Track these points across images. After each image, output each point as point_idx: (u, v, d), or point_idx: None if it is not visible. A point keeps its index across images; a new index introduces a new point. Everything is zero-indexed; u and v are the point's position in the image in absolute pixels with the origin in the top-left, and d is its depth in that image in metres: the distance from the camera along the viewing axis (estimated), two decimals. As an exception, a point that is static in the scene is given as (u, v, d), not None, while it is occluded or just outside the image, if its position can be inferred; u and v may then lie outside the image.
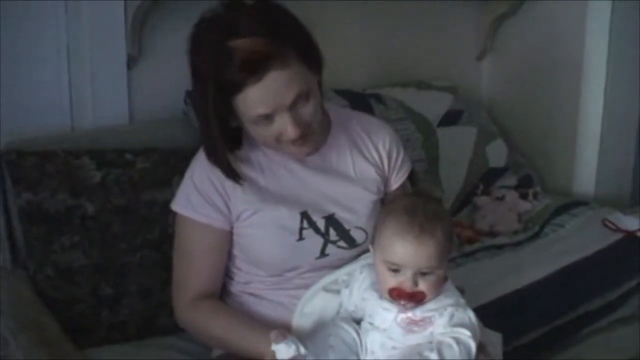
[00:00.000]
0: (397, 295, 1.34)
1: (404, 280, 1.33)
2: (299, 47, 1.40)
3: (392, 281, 1.34)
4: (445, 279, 1.40)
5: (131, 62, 2.07)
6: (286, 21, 1.43)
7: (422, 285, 1.33)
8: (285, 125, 1.42)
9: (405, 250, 1.32)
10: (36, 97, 1.99)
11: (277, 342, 1.33)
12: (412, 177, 1.70)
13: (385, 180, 1.63)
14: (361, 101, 2.35)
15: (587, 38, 2.57)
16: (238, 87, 1.37)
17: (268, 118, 1.41)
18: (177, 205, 1.55)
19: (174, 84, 2.07)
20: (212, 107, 1.42)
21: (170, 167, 1.85)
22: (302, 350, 1.32)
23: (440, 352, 1.30)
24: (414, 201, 1.40)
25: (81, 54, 2.00)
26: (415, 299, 1.34)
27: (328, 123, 1.59)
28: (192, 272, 1.55)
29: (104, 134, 1.96)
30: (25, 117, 1.97)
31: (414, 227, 1.32)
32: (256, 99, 1.38)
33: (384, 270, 1.36)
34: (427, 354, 1.30)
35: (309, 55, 1.43)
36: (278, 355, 1.33)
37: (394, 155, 1.64)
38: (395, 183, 1.64)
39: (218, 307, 1.55)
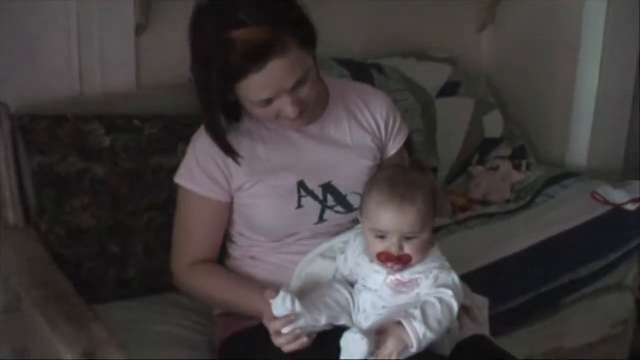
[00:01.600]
0: (385, 259, 1.44)
1: (390, 245, 1.43)
2: (297, 31, 1.44)
3: (379, 247, 1.44)
4: (431, 243, 1.49)
5: (139, 30, 2.11)
6: (283, 5, 1.46)
7: (408, 249, 1.43)
8: (285, 106, 1.47)
9: (389, 218, 1.42)
10: (46, 63, 2.02)
11: (273, 297, 1.40)
12: (408, 144, 1.77)
13: (383, 148, 1.69)
14: (362, 71, 2.39)
15: (585, 14, 2.59)
16: (240, 76, 1.42)
17: (268, 101, 1.47)
18: (179, 178, 1.62)
19: (180, 52, 2.07)
20: (213, 91, 1.47)
21: (176, 134, 1.91)
22: (298, 307, 1.38)
23: (423, 310, 1.39)
24: (395, 172, 1.51)
25: (90, 21, 2.04)
26: (401, 261, 1.43)
27: (326, 94, 1.64)
28: (191, 240, 1.63)
29: (112, 100, 2.02)
30: (35, 82, 2.00)
31: (396, 197, 1.42)
32: (258, 86, 1.43)
33: (372, 238, 1.45)
34: (411, 311, 1.39)
35: (306, 37, 1.47)
36: (274, 311, 1.40)
37: (391, 123, 1.69)
38: (393, 149, 1.71)
39: (215, 269, 1.63)
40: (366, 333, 1.36)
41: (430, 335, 1.38)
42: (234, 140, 1.56)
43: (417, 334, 1.36)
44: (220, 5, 1.44)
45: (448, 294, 1.43)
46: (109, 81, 2.09)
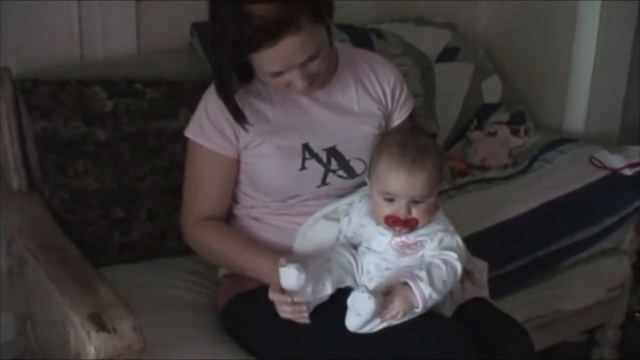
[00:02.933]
0: (393, 222, 1.45)
1: (398, 208, 1.45)
2: (313, 8, 1.46)
3: (387, 209, 1.46)
4: (436, 207, 1.51)
5: (139, -6, 2.11)
6: None
7: (415, 212, 1.45)
8: (294, 78, 1.50)
9: (399, 181, 1.44)
10: (47, 27, 2.02)
11: (285, 266, 1.41)
12: (412, 116, 1.79)
13: (388, 116, 1.71)
14: (362, 36, 2.39)
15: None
16: (253, 48, 1.45)
17: (279, 73, 1.49)
18: (189, 132, 1.64)
19: (180, 16, 2.12)
20: (226, 58, 1.50)
21: (178, 99, 1.92)
22: (303, 278, 1.40)
23: (428, 271, 1.42)
24: (405, 136, 1.52)
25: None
26: (409, 224, 1.45)
27: (336, 60, 1.66)
28: (200, 194, 1.65)
29: (113, 64, 2.02)
30: (36, 46, 2.00)
31: (406, 160, 1.44)
32: (270, 59, 1.46)
33: (380, 200, 1.47)
34: (416, 272, 1.42)
35: (321, 11, 1.49)
36: (282, 281, 1.41)
37: (397, 92, 1.72)
38: (398, 119, 1.73)
39: (224, 227, 1.65)
40: (373, 292, 1.38)
41: (435, 296, 1.41)
42: (242, 98, 1.59)
43: (423, 294, 1.39)
44: None
45: (453, 257, 1.46)
46: (110, 45, 2.09)
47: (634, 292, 2.69)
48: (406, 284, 1.40)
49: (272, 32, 1.42)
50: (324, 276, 1.45)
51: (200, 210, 1.65)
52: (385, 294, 1.40)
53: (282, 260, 1.44)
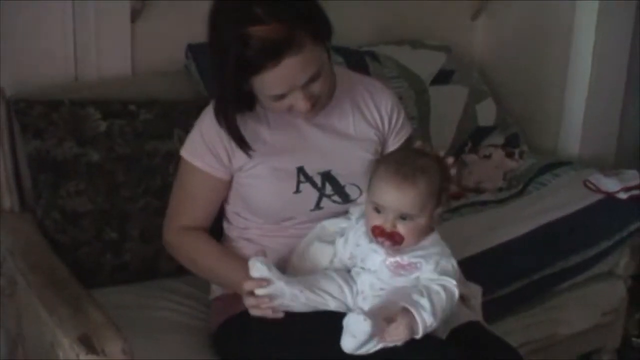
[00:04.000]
0: (378, 234, 1.46)
1: (384, 220, 1.45)
2: (313, 28, 1.46)
3: (375, 220, 1.47)
4: (430, 229, 1.51)
5: (134, 15, 2.11)
6: (301, 2, 1.48)
7: (401, 229, 1.45)
8: (297, 100, 1.51)
9: (387, 193, 1.45)
10: (41, 48, 2.03)
11: (255, 258, 1.43)
12: (410, 141, 1.78)
13: (384, 142, 1.71)
14: (357, 58, 2.40)
15: (578, 4, 2.60)
16: (256, 70, 1.45)
17: (282, 96, 1.50)
18: (183, 150, 1.65)
19: (175, 37, 2.13)
20: (227, 80, 1.49)
21: (172, 120, 1.93)
22: (276, 274, 1.42)
23: (430, 298, 1.41)
24: (406, 154, 1.55)
25: (86, 7, 2.04)
26: (393, 239, 1.45)
27: (334, 84, 1.66)
28: (186, 208, 1.66)
29: (107, 85, 2.02)
30: (31, 67, 2.01)
31: (398, 175, 1.45)
32: (272, 81, 1.46)
33: (370, 210, 1.48)
34: (417, 298, 1.41)
35: (321, 33, 1.50)
36: (251, 271, 1.43)
37: (395, 118, 1.72)
38: (393, 145, 1.73)
39: (203, 236, 1.66)
40: (369, 314, 1.37)
41: (435, 324, 1.41)
42: (239, 119, 1.58)
43: (425, 323, 1.39)
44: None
45: (451, 282, 1.45)
46: (104, 66, 2.10)
47: (630, 316, 2.69)
48: (408, 310, 1.39)
49: (273, 53, 1.42)
50: (304, 285, 1.45)
51: (183, 222, 1.66)
52: (386, 320, 1.39)
53: (256, 251, 1.46)
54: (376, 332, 1.36)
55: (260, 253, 1.46)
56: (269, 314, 1.45)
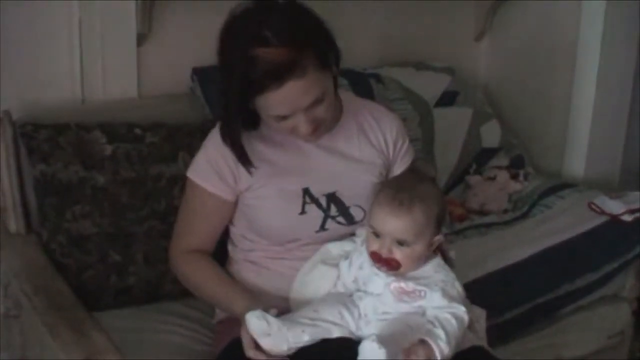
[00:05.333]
0: (376, 259, 1.48)
1: (381, 246, 1.47)
2: (319, 53, 1.48)
3: (373, 245, 1.48)
4: (431, 254, 1.52)
5: (141, 39, 2.14)
6: (309, 27, 1.51)
7: (398, 254, 1.46)
8: (299, 123, 1.52)
9: (383, 219, 1.47)
10: (48, 71, 2.05)
11: (252, 313, 1.41)
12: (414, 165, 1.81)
13: (389, 166, 1.73)
14: (361, 81, 2.41)
15: (583, 22, 2.60)
16: (260, 90, 1.47)
17: (285, 117, 1.51)
18: (189, 171, 1.67)
19: (181, 61, 2.15)
20: (233, 99, 1.52)
21: (177, 143, 1.94)
22: (275, 325, 1.40)
23: (443, 327, 1.41)
24: (407, 179, 1.57)
25: (93, 30, 2.06)
26: (389, 265, 1.47)
27: (340, 108, 1.68)
28: (192, 229, 1.67)
29: (113, 108, 2.04)
30: (37, 90, 2.03)
31: (395, 201, 1.47)
32: (275, 102, 1.48)
33: (370, 234, 1.50)
34: (431, 327, 1.41)
35: (328, 58, 1.52)
36: (248, 326, 1.41)
37: (399, 143, 1.74)
38: (398, 170, 1.75)
39: (208, 263, 1.66)
40: (384, 341, 1.36)
41: (450, 353, 1.41)
42: (246, 140, 1.60)
43: (443, 353, 1.39)
44: (251, 18, 1.49)
45: (461, 310, 1.46)
46: (111, 89, 2.12)
47: (636, 339, 2.68)
48: (424, 341, 1.39)
49: (277, 75, 1.44)
50: (306, 324, 1.45)
51: (189, 244, 1.67)
52: (404, 353, 1.38)
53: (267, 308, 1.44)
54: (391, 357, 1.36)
55: (266, 308, 1.44)
56: None
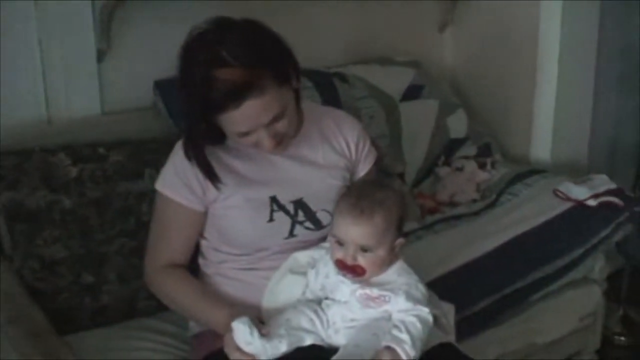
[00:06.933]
0: (341, 267, 1.51)
1: (345, 254, 1.50)
2: (278, 72, 1.52)
3: (338, 253, 1.52)
4: (394, 258, 1.55)
5: (101, 55, 2.14)
6: (267, 46, 1.53)
7: (362, 261, 1.50)
8: (262, 138, 1.56)
9: (345, 228, 1.50)
10: (12, 92, 2.05)
11: (238, 320, 1.45)
12: (377, 163, 1.85)
13: (352, 169, 1.77)
14: (326, 81, 2.42)
15: (542, 11, 2.62)
16: (219, 110, 1.50)
17: (246, 133, 1.55)
18: (158, 184, 1.69)
19: (142, 75, 2.16)
20: (196, 119, 1.55)
21: (142, 160, 1.96)
22: (257, 341, 1.44)
23: (408, 331, 1.45)
24: (366, 187, 1.59)
25: (52, 50, 2.07)
26: (354, 272, 1.50)
27: (302, 117, 1.71)
28: (164, 243, 1.69)
29: (77, 128, 2.05)
30: (2, 111, 2.02)
31: (356, 209, 1.50)
32: (235, 120, 1.52)
33: (334, 243, 1.53)
34: (396, 333, 1.45)
35: (286, 76, 1.55)
36: (235, 337, 1.45)
37: (361, 146, 1.78)
38: (362, 171, 1.79)
39: (183, 276, 1.69)
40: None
41: (417, 355, 1.45)
42: (211, 153, 1.63)
43: (409, 357, 1.43)
44: (210, 39, 1.51)
45: (425, 311, 1.49)
46: (74, 107, 2.13)
47: (611, 316, 2.72)
48: (390, 348, 1.43)
49: (235, 95, 1.47)
50: (281, 334, 1.48)
51: (163, 259, 1.69)
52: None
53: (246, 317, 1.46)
54: None
55: (250, 317, 1.47)
56: None
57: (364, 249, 1.49)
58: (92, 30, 2.10)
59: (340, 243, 1.51)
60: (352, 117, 1.87)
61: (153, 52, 2.13)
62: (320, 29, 2.58)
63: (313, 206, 1.67)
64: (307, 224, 1.67)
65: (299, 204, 1.66)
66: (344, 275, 1.51)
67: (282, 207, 1.65)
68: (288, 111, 1.56)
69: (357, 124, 1.82)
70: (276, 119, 1.54)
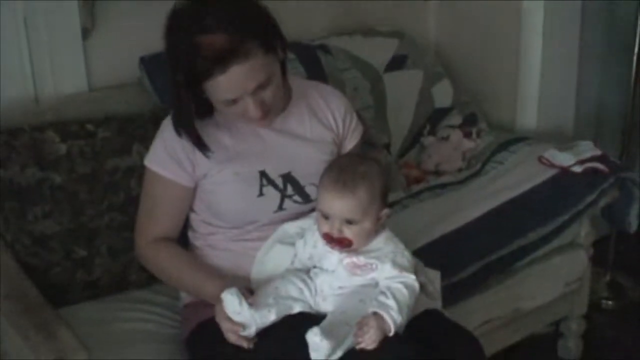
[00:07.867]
0: (328, 240, 1.54)
1: (331, 227, 1.53)
2: (262, 39, 1.54)
3: (324, 227, 1.55)
4: (380, 228, 1.58)
5: (86, 33, 2.14)
6: (251, 14, 1.56)
7: (348, 233, 1.53)
8: (248, 106, 1.58)
9: (329, 201, 1.54)
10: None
11: (227, 291, 1.49)
12: (364, 137, 1.88)
13: (340, 143, 1.80)
14: (309, 54, 2.43)
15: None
16: (206, 76, 1.52)
17: (233, 101, 1.57)
18: (147, 160, 1.71)
19: (127, 51, 2.16)
20: (182, 87, 1.57)
21: (129, 135, 1.98)
22: (246, 312, 1.48)
23: (395, 297, 1.48)
24: (347, 161, 1.62)
25: (38, 28, 2.07)
26: (341, 244, 1.54)
27: (289, 92, 1.74)
28: (154, 217, 1.72)
29: (65, 105, 2.06)
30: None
31: (339, 183, 1.53)
32: (222, 87, 1.54)
33: (320, 217, 1.56)
34: (383, 299, 1.48)
35: (271, 44, 1.57)
36: (226, 307, 1.49)
37: (348, 121, 1.81)
38: (349, 145, 1.82)
39: (174, 249, 1.72)
40: (326, 333, 1.41)
41: (403, 321, 1.48)
42: (201, 128, 1.65)
43: (395, 322, 1.46)
44: (193, 9, 1.54)
45: (411, 278, 1.53)
46: (62, 85, 2.13)
47: (598, 281, 2.76)
48: (377, 314, 1.46)
49: (221, 60, 1.50)
50: (270, 303, 1.52)
51: (153, 233, 1.72)
52: (358, 325, 1.45)
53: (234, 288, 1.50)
54: (336, 345, 1.42)
55: (239, 288, 1.50)
56: (244, 344, 1.51)
57: (350, 222, 1.52)
58: (77, 8, 2.10)
59: (325, 217, 1.54)
60: (339, 91, 1.89)
61: (138, 28, 2.12)
62: (302, 2, 2.56)
63: (301, 180, 1.70)
64: (296, 197, 1.70)
65: (288, 177, 1.69)
66: (332, 248, 1.55)
67: (271, 182, 1.68)
68: (274, 80, 1.58)
69: (343, 98, 1.84)
70: (262, 86, 1.56)
